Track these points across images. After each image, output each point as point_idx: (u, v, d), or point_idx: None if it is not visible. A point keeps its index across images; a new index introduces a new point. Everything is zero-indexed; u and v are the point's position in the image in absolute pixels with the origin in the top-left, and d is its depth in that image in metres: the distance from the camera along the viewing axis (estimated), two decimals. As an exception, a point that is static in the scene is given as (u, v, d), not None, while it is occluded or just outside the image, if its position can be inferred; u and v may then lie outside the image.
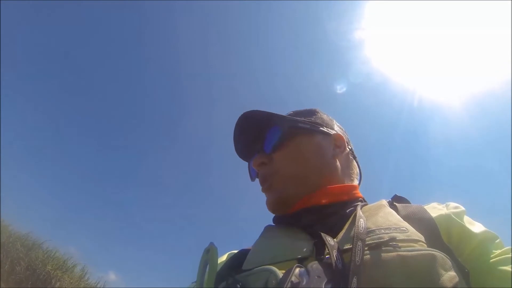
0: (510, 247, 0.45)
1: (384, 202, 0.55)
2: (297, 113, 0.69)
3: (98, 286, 7.08)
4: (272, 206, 0.61)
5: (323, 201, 0.56)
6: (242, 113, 0.64)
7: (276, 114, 0.64)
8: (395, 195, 0.59)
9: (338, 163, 0.63)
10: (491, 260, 0.44)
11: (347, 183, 0.62)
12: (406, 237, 0.42)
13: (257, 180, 0.69)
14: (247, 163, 0.73)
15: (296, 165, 0.60)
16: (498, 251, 0.44)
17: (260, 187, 0.65)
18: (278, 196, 0.59)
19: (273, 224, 0.63)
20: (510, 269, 0.41)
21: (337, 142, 0.65)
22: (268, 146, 0.64)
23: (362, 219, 0.44)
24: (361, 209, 0.50)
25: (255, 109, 0.64)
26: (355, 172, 0.67)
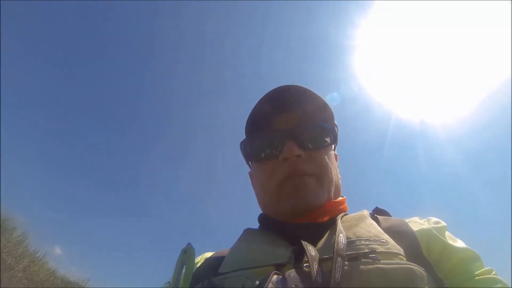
0: (490, 267, 0.45)
1: (366, 212, 0.54)
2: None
3: (37, 255, 6.50)
4: (296, 206, 0.53)
5: (326, 217, 0.53)
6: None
7: (331, 110, 0.58)
8: (377, 207, 0.59)
9: (340, 181, 0.63)
10: (474, 278, 0.44)
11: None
12: (385, 250, 0.41)
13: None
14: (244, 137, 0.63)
15: (329, 175, 0.57)
16: (480, 271, 0.44)
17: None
18: (311, 201, 0.53)
19: (256, 224, 0.62)
20: None
21: (336, 162, 0.66)
22: (311, 140, 0.57)
23: (342, 234, 0.43)
24: (341, 218, 0.50)
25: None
26: None
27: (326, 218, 0.53)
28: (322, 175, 0.55)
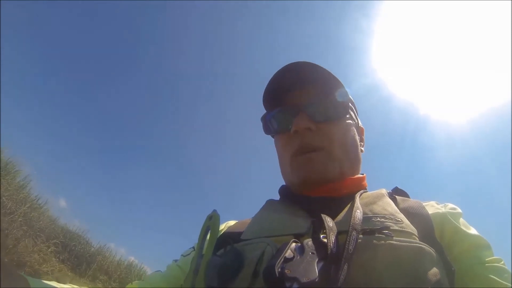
0: (500, 257, 0.46)
1: (384, 191, 0.55)
2: None
3: (38, 202, 6.26)
4: (306, 180, 0.55)
5: (344, 191, 0.55)
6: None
7: (341, 84, 0.58)
8: (396, 187, 0.60)
9: (361, 156, 0.64)
10: (483, 265, 0.45)
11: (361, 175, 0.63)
12: (399, 228, 0.43)
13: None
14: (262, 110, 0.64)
15: (343, 148, 0.57)
16: (489, 259, 0.46)
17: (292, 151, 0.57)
18: (320, 175, 0.55)
19: (278, 195, 0.63)
20: (497, 279, 0.43)
21: (362, 136, 0.67)
22: (322, 113, 0.58)
23: (359, 210, 0.44)
24: (360, 196, 0.51)
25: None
26: None
27: (343, 193, 0.54)
28: (332, 148, 0.56)
